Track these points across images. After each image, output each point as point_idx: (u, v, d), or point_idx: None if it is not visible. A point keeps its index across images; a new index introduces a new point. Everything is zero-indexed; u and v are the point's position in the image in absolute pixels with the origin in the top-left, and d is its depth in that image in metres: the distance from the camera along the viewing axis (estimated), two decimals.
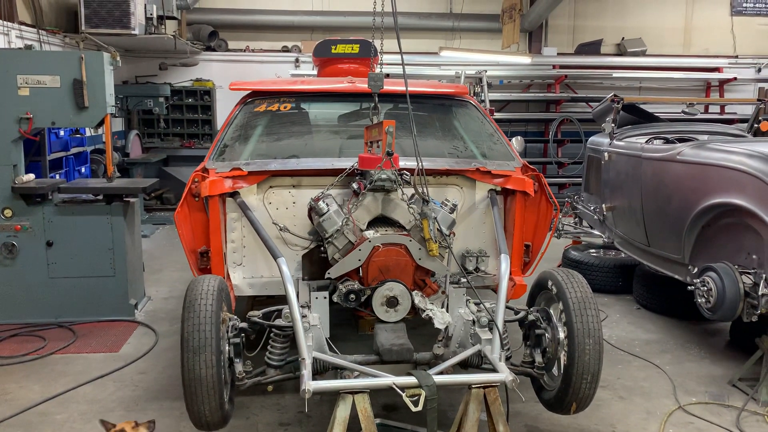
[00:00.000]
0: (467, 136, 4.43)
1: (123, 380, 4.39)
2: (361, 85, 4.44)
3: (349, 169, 3.71)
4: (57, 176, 7.22)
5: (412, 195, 3.56)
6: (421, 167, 3.30)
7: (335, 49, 5.17)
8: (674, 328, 5.48)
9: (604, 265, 6.38)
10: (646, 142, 5.56)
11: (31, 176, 5.49)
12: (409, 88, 3.55)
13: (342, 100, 4.67)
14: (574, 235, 7.22)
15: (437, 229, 3.35)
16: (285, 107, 4.40)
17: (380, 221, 3.64)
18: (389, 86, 3.84)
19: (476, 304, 3.35)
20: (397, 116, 4.37)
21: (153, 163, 10.21)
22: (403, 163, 3.58)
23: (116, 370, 4.52)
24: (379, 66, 3.91)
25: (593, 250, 6.87)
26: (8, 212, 5.26)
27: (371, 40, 3.97)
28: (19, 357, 4.73)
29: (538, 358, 3.36)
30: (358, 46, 5.15)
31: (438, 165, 3.94)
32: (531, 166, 4.14)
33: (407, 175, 3.50)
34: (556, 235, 6.93)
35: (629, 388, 4.33)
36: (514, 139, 4.63)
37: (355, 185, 3.57)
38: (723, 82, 12.07)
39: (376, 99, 3.70)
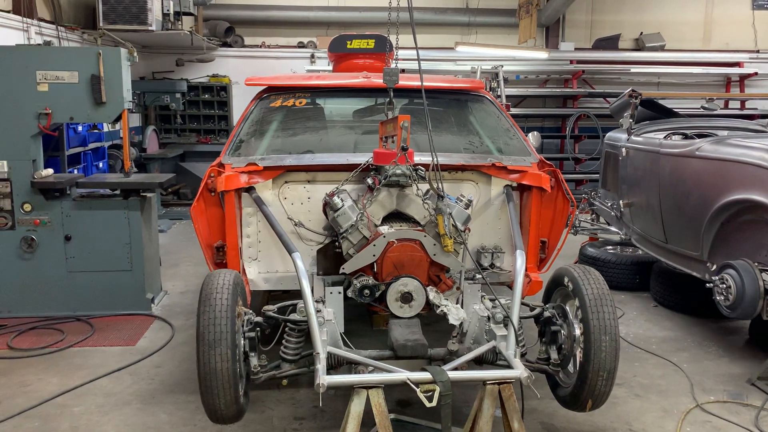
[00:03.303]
0: (483, 131, 4.41)
1: (139, 373, 4.43)
2: (376, 80, 4.44)
3: (364, 164, 3.71)
4: (75, 171, 7.29)
5: (427, 190, 3.55)
6: (436, 162, 3.28)
7: (351, 44, 5.17)
8: (692, 325, 5.41)
9: (621, 262, 6.32)
10: (665, 137, 5.49)
11: (50, 171, 5.55)
12: (423, 83, 3.53)
13: (357, 95, 4.66)
14: (590, 231, 7.16)
15: (452, 224, 3.33)
16: (300, 102, 4.40)
17: (395, 217, 3.64)
18: (404, 81, 3.82)
19: (491, 300, 3.33)
20: (412, 111, 4.35)
21: (170, 158, 10.27)
22: (417, 158, 3.57)
23: (133, 364, 4.56)
24: (394, 61, 3.90)
25: (610, 247, 6.81)
26: (27, 207, 5.32)
27: (387, 35, 3.96)
28: (38, 350, 4.78)
29: (554, 355, 3.33)
30: (374, 41, 5.14)
31: (453, 160, 3.92)
32: (548, 162, 4.11)
33: (422, 170, 3.48)
34: (572, 231, 6.88)
35: (646, 386, 4.29)
36: (530, 134, 4.60)
37: (369, 180, 3.57)
38: (744, 77, 11.89)
39: (391, 94, 3.69)
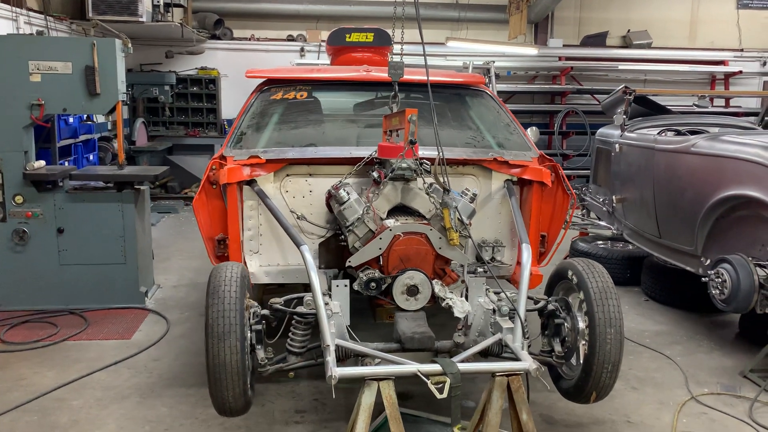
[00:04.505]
0: (483, 126, 4.43)
1: (137, 367, 4.40)
2: (378, 73, 4.44)
3: (368, 157, 3.72)
4: (66, 163, 7.21)
5: (430, 184, 3.56)
6: (442, 156, 3.29)
7: (349, 37, 5.15)
8: (683, 319, 5.50)
9: (612, 256, 6.39)
10: (658, 134, 5.56)
11: (42, 163, 5.48)
12: (424, 78, 3.53)
13: (357, 88, 4.65)
14: (581, 226, 7.23)
15: (458, 218, 3.35)
16: (301, 95, 4.39)
17: (399, 210, 3.65)
18: (406, 75, 3.82)
19: (496, 293, 3.35)
20: (410, 106, 4.35)
21: (158, 151, 10.18)
22: (421, 152, 3.58)
23: (130, 357, 4.53)
24: (394, 55, 3.90)
25: (601, 242, 6.87)
26: (19, 199, 5.25)
27: (392, 29, 3.95)
28: (32, 343, 4.73)
29: (558, 348, 3.36)
30: (373, 34, 5.13)
31: (455, 154, 3.93)
32: (548, 157, 4.14)
33: (427, 164, 3.49)
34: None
35: (641, 379, 4.35)
36: (529, 129, 4.62)
37: (375, 174, 3.57)
38: (728, 75, 12.08)
39: (396, 88, 3.70)
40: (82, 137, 7.86)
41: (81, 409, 3.83)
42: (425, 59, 3.42)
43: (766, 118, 6.12)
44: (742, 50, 12.25)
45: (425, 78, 3.54)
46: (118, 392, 4.04)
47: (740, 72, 11.95)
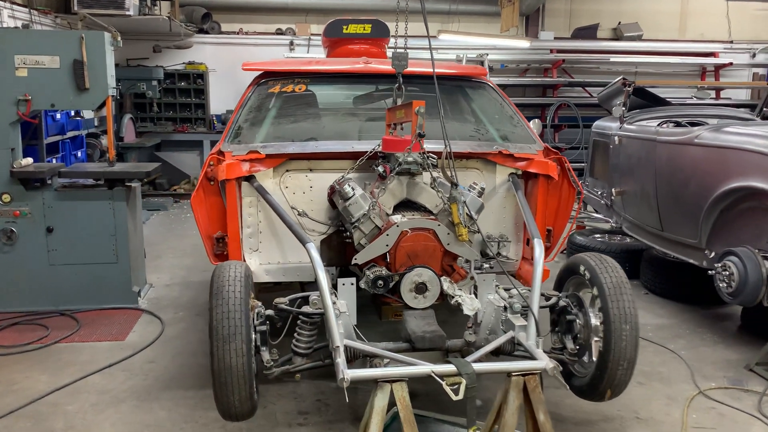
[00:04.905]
0: (486, 119, 4.34)
1: (132, 369, 4.28)
2: (378, 65, 4.34)
3: (371, 151, 3.62)
4: (54, 160, 7.04)
5: (435, 178, 3.47)
6: (449, 150, 3.20)
7: (347, 29, 5.04)
8: (684, 312, 5.46)
9: (610, 250, 6.32)
10: (658, 125, 5.51)
11: (30, 160, 5.33)
12: (424, 70, 3.44)
13: (356, 81, 4.55)
14: (578, 220, 7.18)
15: (466, 213, 3.26)
16: (300, 88, 4.27)
17: (404, 205, 3.55)
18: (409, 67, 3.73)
19: (506, 290, 3.27)
20: (409, 98, 4.26)
21: (146, 147, 10.01)
22: (425, 146, 3.49)
23: (125, 359, 4.40)
24: (396, 47, 3.81)
25: (598, 235, 6.82)
26: (6, 197, 5.09)
27: (396, 21, 3.85)
28: (22, 346, 4.58)
29: (570, 345, 3.28)
30: (370, 26, 5.03)
31: (461, 148, 3.84)
32: (553, 149, 4.06)
33: (433, 158, 3.40)
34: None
35: (647, 374, 4.30)
36: (531, 122, 4.55)
37: (380, 168, 3.47)
38: (718, 67, 12.08)
39: (400, 79, 3.60)
40: (70, 134, 7.68)
41: (76, 414, 3.70)
42: (431, 52, 3.36)
43: (765, 109, 6.08)
44: (731, 42, 12.25)
45: (427, 70, 3.45)
46: (114, 396, 3.91)
47: (730, 64, 11.96)
